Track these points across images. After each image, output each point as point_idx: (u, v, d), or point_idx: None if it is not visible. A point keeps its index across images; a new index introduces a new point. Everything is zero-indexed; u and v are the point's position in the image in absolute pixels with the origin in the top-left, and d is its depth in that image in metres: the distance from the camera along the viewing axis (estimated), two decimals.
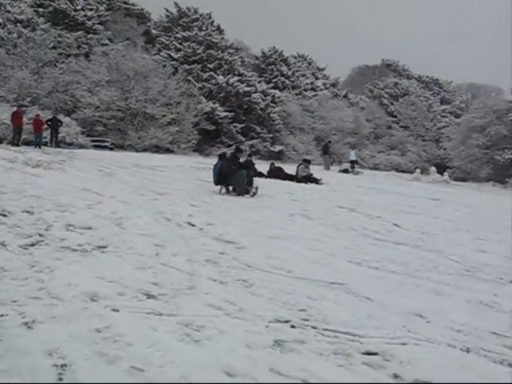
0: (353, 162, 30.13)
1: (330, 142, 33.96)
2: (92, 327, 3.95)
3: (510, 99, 44.12)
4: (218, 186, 12.88)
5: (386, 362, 3.80)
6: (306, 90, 47.71)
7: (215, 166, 13.01)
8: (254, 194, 12.60)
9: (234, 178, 12.54)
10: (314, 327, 4.31)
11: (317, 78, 52.32)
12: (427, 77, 64.83)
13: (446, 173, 35.05)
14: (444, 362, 3.88)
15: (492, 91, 59.47)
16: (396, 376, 3.61)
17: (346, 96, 52.99)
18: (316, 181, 17.99)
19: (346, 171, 27.97)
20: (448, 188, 26.55)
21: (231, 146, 35.39)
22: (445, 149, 47.70)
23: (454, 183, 33.15)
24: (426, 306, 5.13)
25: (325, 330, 4.27)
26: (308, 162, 19.56)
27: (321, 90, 49.50)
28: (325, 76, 54.91)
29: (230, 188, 12.88)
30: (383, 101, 56.39)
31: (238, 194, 12.44)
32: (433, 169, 34.30)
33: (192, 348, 3.76)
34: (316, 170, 21.83)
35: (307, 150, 39.08)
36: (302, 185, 17.02)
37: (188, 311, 4.44)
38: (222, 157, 13.53)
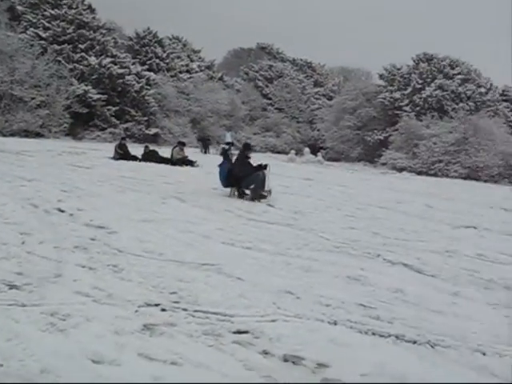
0: (229, 144, 30.36)
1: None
2: None
3: (378, 83, 46.33)
4: (228, 189, 11.45)
5: (255, 340, 3.85)
6: (181, 73, 47.18)
7: (221, 166, 11.52)
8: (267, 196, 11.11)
9: (248, 180, 11.03)
10: (185, 309, 4.27)
11: (192, 61, 51.85)
12: (301, 60, 66.34)
13: (319, 153, 36.29)
14: (311, 335, 3.99)
15: (362, 75, 62.28)
16: (266, 352, 3.66)
17: (221, 78, 53.06)
18: (191, 163, 17.96)
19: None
20: (321, 168, 27.55)
21: (105, 129, 34.39)
22: (318, 130, 49.30)
23: (328, 163, 34.45)
24: (296, 282, 5.26)
25: (195, 311, 4.25)
26: (183, 144, 19.49)
27: (196, 72, 49.16)
28: (200, 58, 54.52)
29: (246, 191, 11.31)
30: (258, 83, 57.12)
31: (253, 199, 10.88)
32: (306, 150, 35.39)
33: (56, 338, 3.59)
34: (192, 153, 21.75)
35: (183, 132, 38.76)
36: (177, 168, 16.90)
37: (53, 300, 4.24)
38: (225, 155, 11.95)
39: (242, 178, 11.03)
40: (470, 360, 3.88)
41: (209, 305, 4.40)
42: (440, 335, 4.24)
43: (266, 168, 11.15)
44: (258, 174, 11.02)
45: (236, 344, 3.75)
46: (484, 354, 4.00)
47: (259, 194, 10.96)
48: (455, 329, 4.42)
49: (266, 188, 11.13)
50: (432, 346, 4.05)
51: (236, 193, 11.30)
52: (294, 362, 3.55)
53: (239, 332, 3.95)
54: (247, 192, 11.18)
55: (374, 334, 4.19)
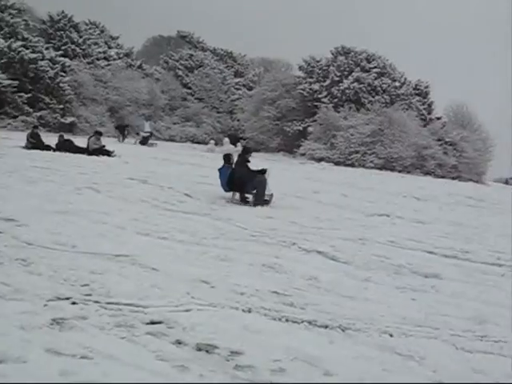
0: (147, 133, 29.97)
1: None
2: None
3: (298, 74, 46.79)
4: (230, 193, 10.88)
5: (169, 330, 3.82)
6: (98, 60, 45.81)
7: (220, 170, 10.87)
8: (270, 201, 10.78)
9: (251, 185, 10.57)
10: (97, 302, 4.18)
11: (110, 47, 50.48)
12: (222, 50, 65.96)
13: (239, 143, 36.32)
14: (225, 324, 4.01)
15: (282, 66, 62.63)
16: (179, 342, 3.64)
17: (140, 67, 51.98)
18: (108, 153, 17.57)
19: (143, 142, 27.92)
20: None
21: (17, 117, 32.96)
22: (238, 120, 49.30)
23: None
24: (211, 271, 5.27)
25: (108, 303, 4.16)
26: (100, 133, 19.02)
27: (114, 59, 47.92)
28: (118, 45, 53.15)
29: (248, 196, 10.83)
30: (178, 72, 56.38)
31: (256, 204, 10.38)
32: (226, 140, 35.38)
33: None
34: (109, 142, 21.29)
35: (101, 121, 37.69)
36: (94, 157, 16.49)
37: None
38: (227, 159, 11.08)
39: (246, 183, 10.61)
40: (378, 341, 4.04)
41: (122, 296, 4.32)
42: (351, 319, 4.38)
43: (265, 172, 10.87)
44: (261, 179, 10.66)
45: (149, 335, 3.71)
46: (391, 336, 4.17)
47: (263, 199, 10.62)
48: (365, 312, 4.57)
49: (266, 192, 10.77)
50: (343, 330, 4.17)
51: (238, 198, 10.86)
52: (207, 351, 3.56)
53: (152, 323, 3.92)
54: (248, 196, 10.85)
55: (287, 320, 4.26)
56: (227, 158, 11.11)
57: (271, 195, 10.78)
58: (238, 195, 10.83)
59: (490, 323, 4.73)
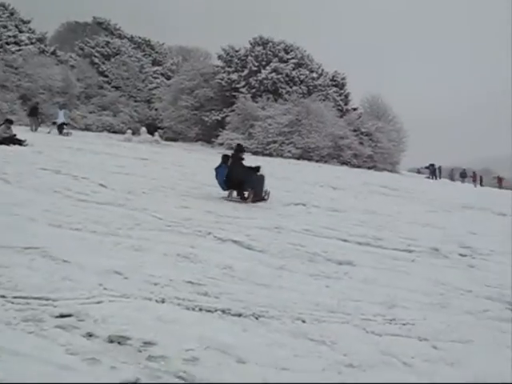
0: (62, 123, 29.03)
1: (37, 103, 32.12)
2: None
3: (216, 64, 46.65)
4: (226, 192, 11.05)
5: (79, 323, 3.75)
6: (8, 44, 43.90)
7: (217, 169, 10.93)
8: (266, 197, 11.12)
9: (249, 182, 10.76)
10: (3, 296, 4.02)
11: (21, 32, 48.40)
12: (139, 37, 64.68)
13: (156, 133, 35.89)
14: (138, 314, 3.97)
15: (201, 55, 62.26)
16: (90, 335, 3.58)
17: (54, 53, 50.20)
18: (20, 142, 16.90)
19: (60, 131, 27.16)
20: (158, 148, 27.30)
21: None
22: (156, 109, 48.68)
23: (165, 143, 34.21)
24: (125, 262, 5.20)
25: (15, 297, 4.02)
26: (10, 121, 18.25)
27: (26, 44, 46.00)
28: (30, 30, 51.06)
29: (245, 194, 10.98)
30: (94, 60, 54.89)
31: (255, 201, 10.68)
32: (143, 129, 34.84)
33: None
34: (21, 131, 20.47)
35: (12, 109, 36.20)
36: (4, 147, 15.81)
37: None
38: (226, 159, 11.07)
39: (244, 181, 10.78)
40: (291, 328, 4.12)
41: (30, 290, 4.19)
42: (264, 307, 4.44)
43: (259, 169, 11.08)
44: (259, 177, 10.95)
45: (59, 328, 3.62)
46: (304, 322, 4.27)
47: (261, 196, 10.89)
48: (279, 300, 4.65)
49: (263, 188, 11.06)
50: (256, 318, 4.23)
51: (237, 196, 11.02)
52: (119, 343, 3.52)
53: (62, 316, 3.82)
54: (245, 193, 10.97)
55: (201, 309, 4.28)
56: (226, 158, 11.17)
57: (267, 191, 11.09)
58: (235, 193, 11.07)
59: (400, 307, 4.94)
